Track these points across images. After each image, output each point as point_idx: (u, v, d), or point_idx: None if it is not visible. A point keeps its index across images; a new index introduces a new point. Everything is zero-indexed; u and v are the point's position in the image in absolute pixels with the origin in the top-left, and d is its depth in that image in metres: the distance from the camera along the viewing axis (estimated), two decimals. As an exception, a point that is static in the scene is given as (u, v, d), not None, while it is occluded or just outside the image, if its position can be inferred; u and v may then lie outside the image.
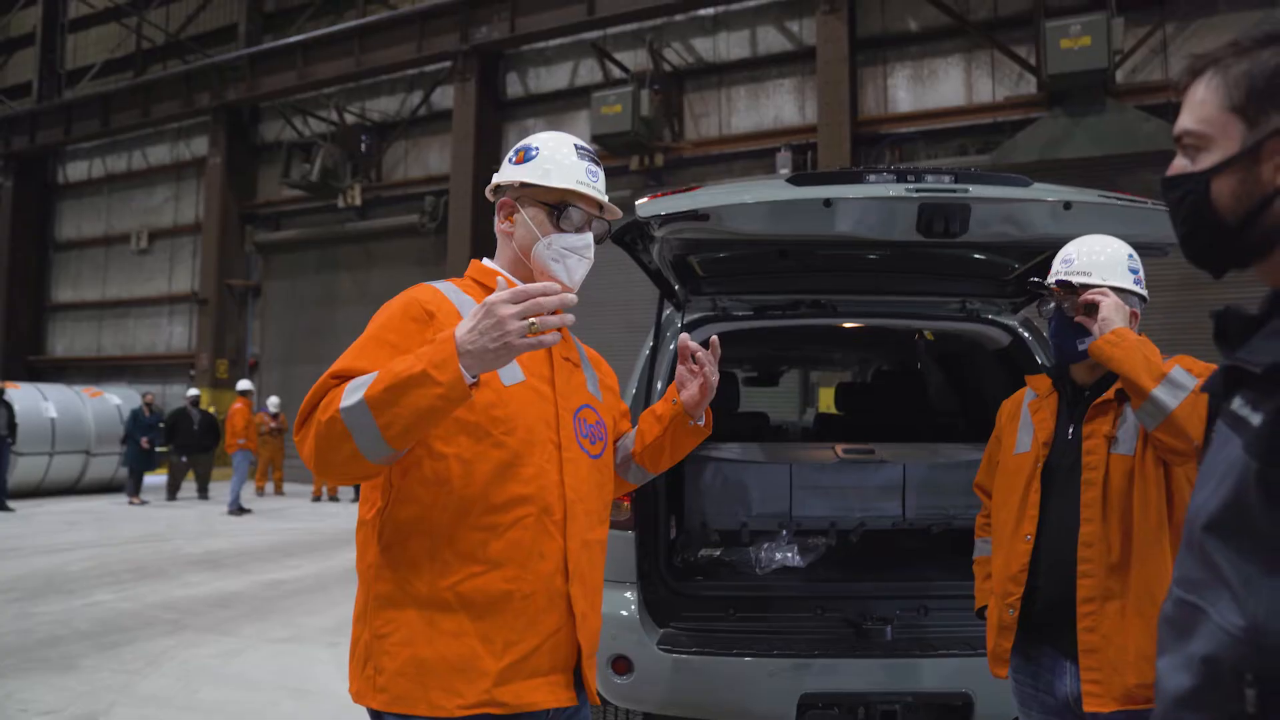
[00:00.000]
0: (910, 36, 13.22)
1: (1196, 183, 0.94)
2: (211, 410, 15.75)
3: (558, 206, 1.72)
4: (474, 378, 1.41)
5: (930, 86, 13.10)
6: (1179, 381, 1.86)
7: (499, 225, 1.78)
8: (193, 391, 14.63)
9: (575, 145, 1.77)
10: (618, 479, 1.99)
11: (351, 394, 1.42)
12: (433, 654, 1.53)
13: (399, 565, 1.57)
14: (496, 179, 1.79)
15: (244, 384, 14.12)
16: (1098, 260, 2.10)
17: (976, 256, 3.35)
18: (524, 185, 1.74)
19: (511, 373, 1.63)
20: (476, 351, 1.38)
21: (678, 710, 3.17)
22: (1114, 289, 2.07)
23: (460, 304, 1.67)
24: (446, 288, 1.71)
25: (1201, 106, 0.94)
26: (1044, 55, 11.16)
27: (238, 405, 13.34)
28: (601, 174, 1.79)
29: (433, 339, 1.46)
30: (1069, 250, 2.16)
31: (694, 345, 1.82)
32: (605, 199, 1.78)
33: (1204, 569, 0.90)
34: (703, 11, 14.44)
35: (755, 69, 14.33)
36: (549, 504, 1.62)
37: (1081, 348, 2.08)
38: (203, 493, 14.48)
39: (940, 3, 12.58)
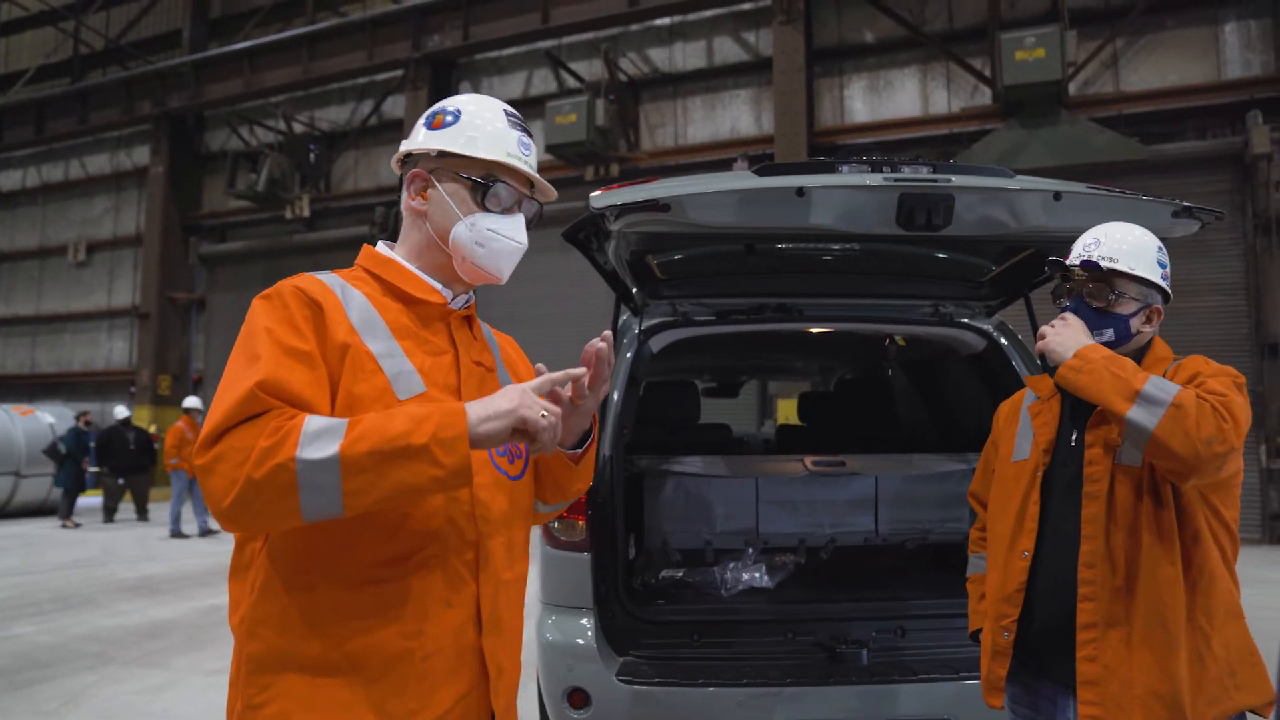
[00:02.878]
0: (866, 48, 13.25)
1: None
2: (152, 429, 15.16)
3: (483, 182, 1.45)
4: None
5: (886, 98, 13.12)
6: (1155, 397, 1.67)
7: (408, 202, 1.49)
8: (121, 410, 13.93)
9: (505, 111, 1.50)
10: None
11: (317, 443, 1.16)
12: None
13: (276, 619, 1.29)
14: (407, 145, 1.50)
15: (191, 401, 13.16)
16: (1124, 247, 1.92)
17: (951, 257, 3.19)
18: (442, 155, 1.46)
19: (409, 383, 1.36)
20: (478, 424, 1.23)
21: (640, 746, 2.93)
22: (1141, 281, 1.90)
23: (348, 299, 1.39)
24: (331, 280, 1.42)
25: None
26: (999, 67, 11.24)
27: (178, 423, 12.75)
28: (535, 147, 1.53)
29: (431, 408, 1.25)
30: (1093, 233, 1.97)
31: (600, 348, 1.45)
32: (538, 176, 1.51)
33: None
34: (659, 21, 14.37)
35: (712, 79, 14.27)
36: (458, 541, 1.35)
37: (1101, 339, 1.88)
38: (141, 514, 13.87)
39: (896, 14, 12.64)
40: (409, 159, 1.51)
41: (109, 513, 13.69)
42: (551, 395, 1.42)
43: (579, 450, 1.57)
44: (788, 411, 10.86)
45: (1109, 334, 1.89)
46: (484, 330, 1.63)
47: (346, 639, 1.28)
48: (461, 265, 1.47)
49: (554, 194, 1.56)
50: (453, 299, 1.50)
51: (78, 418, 14.36)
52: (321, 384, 1.29)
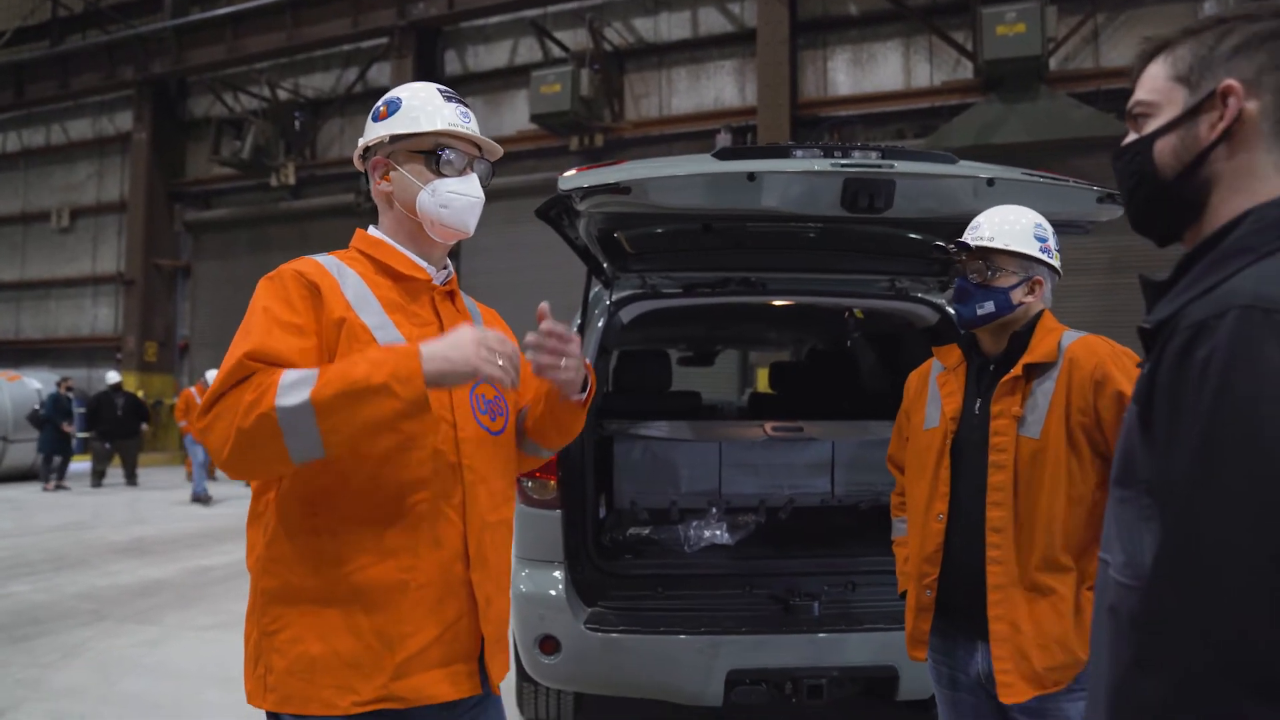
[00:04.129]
0: (850, 20, 13.31)
1: (1143, 145, 1.06)
2: (140, 394, 15.27)
3: (434, 152, 1.62)
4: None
5: (869, 70, 13.21)
6: None
7: (376, 188, 1.67)
8: (113, 376, 14.05)
9: (439, 89, 1.68)
10: (520, 453, 1.89)
11: (291, 392, 1.33)
12: (324, 650, 1.46)
13: (287, 558, 1.49)
14: (363, 140, 1.68)
15: (213, 374, 12.87)
16: (1002, 227, 2.08)
17: (906, 235, 3.37)
18: (394, 139, 1.64)
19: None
20: (436, 358, 1.38)
21: (607, 690, 3.15)
22: (1016, 254, 2.06)
23: (343, 278, 1.57)
24: (328, 261, 1.60)
25: (1152, 80, 1.07)
26: (980, 41, 11.33)
27: (189, 389, 12.79)
28: (473, 115, 1.70)
29: (387, 347, 1.43)
30: (978, 218, 2.15)
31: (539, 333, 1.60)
32: (481, 138, 1.68)
33: (1110, 525, 1.01)
34: (644, -9, 14.35)
35: (696, 50, 14.31)
36: (445, 488, 1.54)
37: (982, 312, 2.05)
38: (130, 479, 14.01)
39: (879, -13, 12.69)
40: (368, 152, 1.69)
41: (98, 477, 13.83)
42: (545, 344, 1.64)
43: (583, 396, 1.78)
44: (765, 379, 11.08)
45: (990, 306, 2.05)
46: (467, 302, 1.81)
47: (349, 574, 1.47)
48: (432, 228, 1.64)
49: (499, 150, 1.73)
50: (435, 274, 1.68)
51: (58, 383, 14.45)
52: (310, 352, 1.46)
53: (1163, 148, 1.04)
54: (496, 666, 1.62)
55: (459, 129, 1.64)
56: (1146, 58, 1.09)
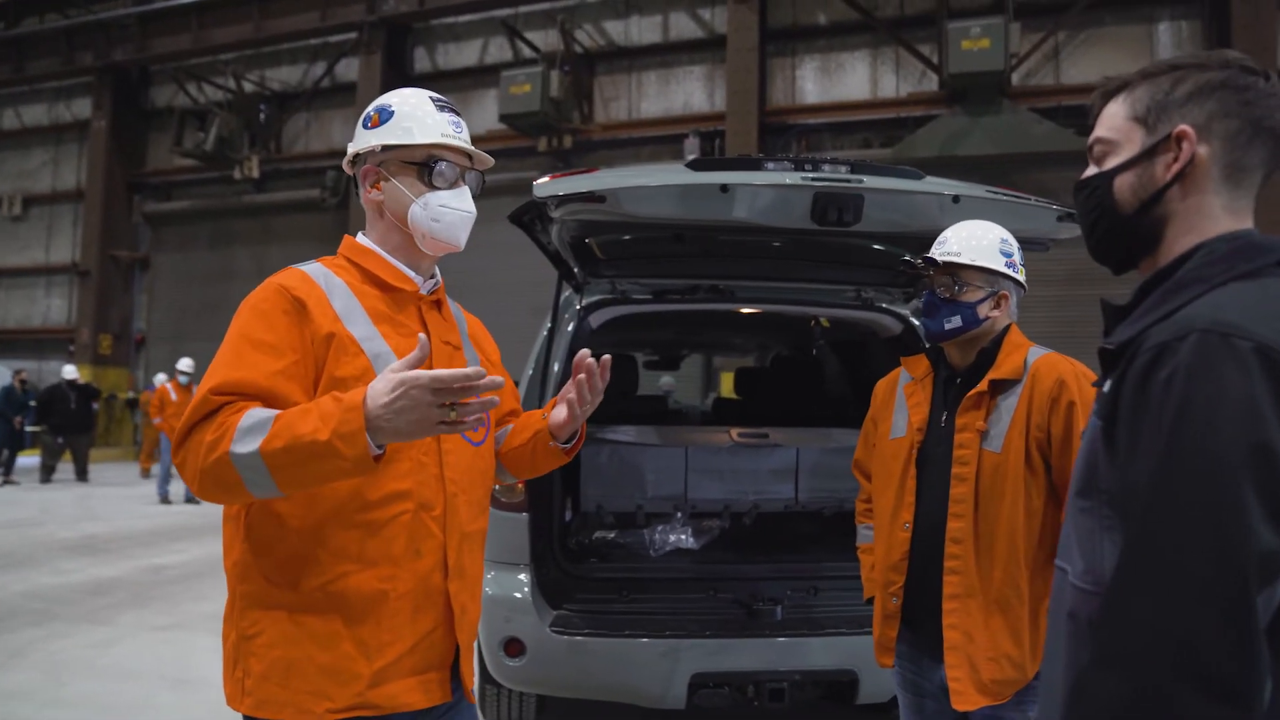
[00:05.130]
0: (819, 30, 13.46)
1: (1103, 180, 1.13)
2: (90, 384, 14.95)
3: (426, 164, 1.62)
4: (381, 450, 1.36)
5: (837, 79, 13.36)
6: None
7: (366, 196, 1.67)
8: (70, 371, 13.76)
9: (432, 98, 1.67)
10: None
11: (246, 439, 1.34)
12: (302, 656, 1.46)
13: (266, 565, 1.50)
14: (354, 148, 1.68)
15: (184, 363, 12.20)
16: (969, 243, 2.13)
17: (871, 247, 3.43)
18: (386, 148, 1.63)
19: (387, 363, 1.52)
20: (389, 430, 1.33)
21: (571, 692, 3.17)
22: (983, 269, 2.10)
23: (331, 289, 1.56)
24: (316, 271, 1.59)
25: (1112, 119, 1.14)
26: (946, 55, 11.52)
27: (163, 385, 12.39)
28: (465, 125, 1.70)
29: (337, 397, 1.37)
30: (945, 233, 2.19)
31: (588, 363, 1.71)
32: (473, 149, 1.68)
33: (1069, 535, 1.08)
34: (616, -6, 14.38)
35: (666, 54, 14.36)
36: (427, 499, 1.55)
37: (949, 326, 2.10)
38: (81, 475, 13.71)
39: (848, -2, 12.84)
40: (358, 159, 1.68)
41: (47, 471, 13.51)
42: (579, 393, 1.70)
43: (567, 445, 1.81)
44: (729, 385, 11.15)
45: (957, 320, 2.09)
46: (453, 309, 1.82)
47: (329, 583, 1.47)
48: (423, 241, 1.63)
49: (490, 161, 1.73)
50: (423, 284, 1.69)
51: (15, 374, 14.11)
52: (288, 371, 1.46)
53: (1121, 184, 1.11)
54: (468, 673, 1.64)
55: (452, 141, 1.63)
56: (1106, 97, 1.16)
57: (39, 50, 18.54)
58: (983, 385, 2.06)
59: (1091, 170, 1.15)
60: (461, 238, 1.66)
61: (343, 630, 1.47)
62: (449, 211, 1.62)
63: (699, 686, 3.02)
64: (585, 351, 1.71)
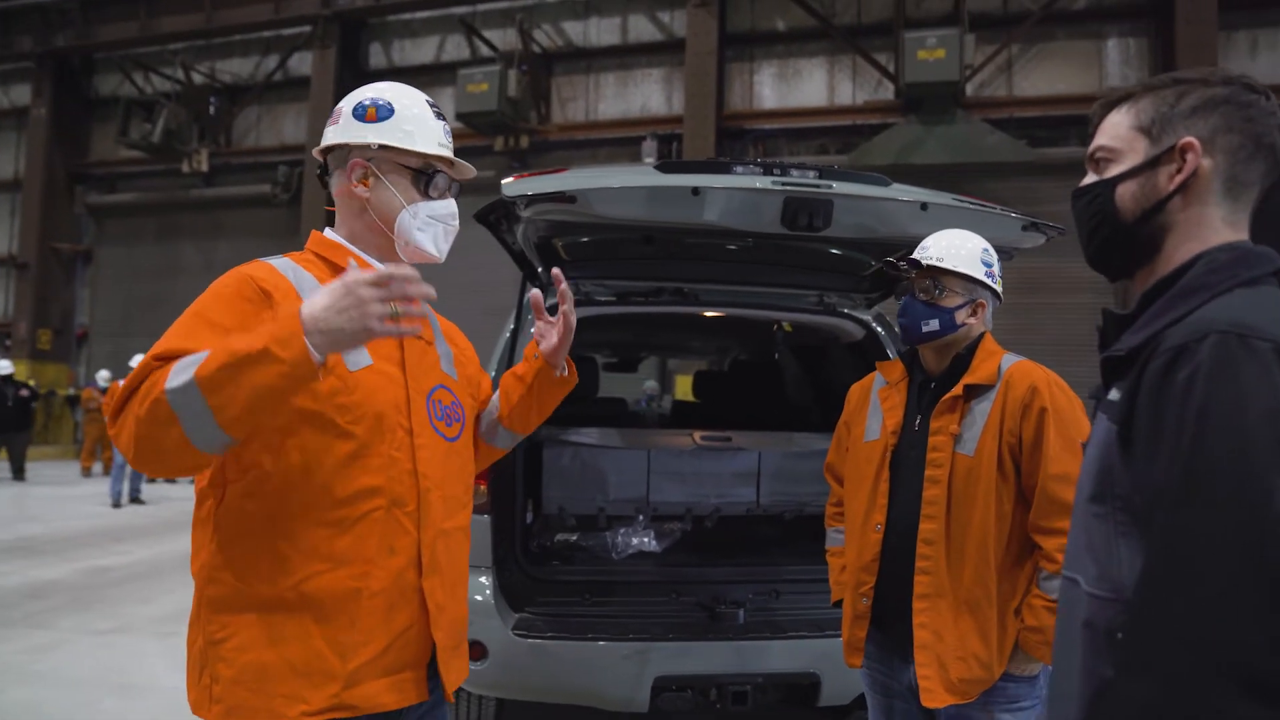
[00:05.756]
0: (778, 36, 13.57)
1: (1105, 187, 1.14)
2: (31, 383, 14.49)
3: (424, 172, 1.60)
4: (321, 358, 1.28)
5: (795, 86, 13.49)
6: None
7: (350, 188, 1.61)
8: (5, 366, 13.32)
9: (427, 103, 1.65)
10: (487, 447, 1.92)
11: (179, 374, 1.27)
12: (275, 658, 1.42)
13: (235, 565, 1.45)
14: (341, 137, 1.61)
15: (138, 360, 12.18)
16: (951, 250, 2.16)
17: (835, 252, 3.45)
18: (382, 147, 1.59)
19: (357, 357, 1.51)
20: (330, 331, 1.26)
21: (533, 695, 3.13)
22: (964, 277, 2.14)
23: (300, 283, 1.52)
24: (284, 264, 1.55)
25: (1114, 128, 1.15)
26: (902, 64, 11.70)
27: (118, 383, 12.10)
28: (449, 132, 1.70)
29: (272, 318, 1.33)
30: (929, 239, 2.22)
31: (563, 288, 1.77)
32: (461, 161, 1.67)
33: (1080, 543, 1.07)
34: (575, -5, 14.35)
35: (625, 56, 14.37)
36: (400, 495, 1.52)
37: (927, 329, 2.13)
38: (18, 474, 13.28)
39: (807, 5, 12.97)
40: (342, 149, 1.62)
41: (-18, 471, 13.10)
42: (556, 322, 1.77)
43: (567, 373, 1.84)
44: (685, 387, 11.19)
45: (934, 324, 2.13)
46: (428, 314, 1.77)
47: (301, 581, 1.43)
48: (404, 249, 1.60)
49: (472, 172, 1.71)
50: None
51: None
52: None
53: (1124, 192, 1.12)
54: (452, 673, 1.60)
55: (447, 153, 1.62)
56: (1108, 107, 1.17)
57: (-25, 34, 17.95)
58: (957, 390, 2.09)
59: (1092, 178, 1.16)
60: (445, 249, 1.65)
61: (315, 630, 1.43)
62: (434, 224, 1.61)
63: (662, 689, 3.01)
64: (536, 293, 1.80)
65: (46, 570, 7.12)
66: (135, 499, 11.20)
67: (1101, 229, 1.14)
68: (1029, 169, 11.76)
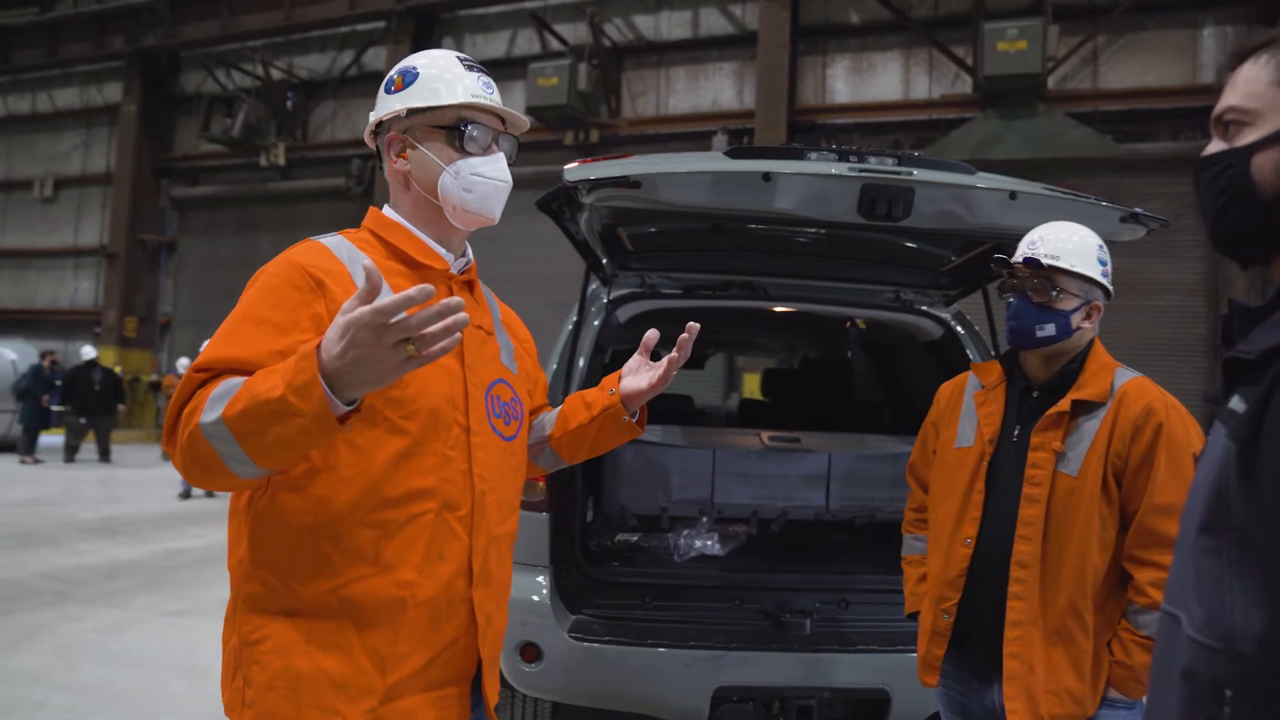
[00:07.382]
0: (851, 29, 13.27)
1: (1237, 157, 0.94)
2: (117, 369, 15.03)
3: (456, 128, 1.47)
4: (350, 403, 1.17)
5: (868, 80, 13.17)
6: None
7: (392, 166, 1.52)
8: (88, 351, 13.84)
9: (459, 58, 1.53)
10: (529, 465, 1.76)
11: (212, 407, 1.20)
12: (310, 666, 1.33)
13: (274, 564, 1.36)
14: (376, 115, 1.53)
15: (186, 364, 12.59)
16: (1066, 246, 1.98)
17: (913, 246, 3.29)
18: (411, 112, 1.49)
19: None
20: (352, 383, 1.14)
21: (588, 701, 3.05)
22: (1080, 276, 1.97)
23: (353, 264, 1.41)
24: (337, 244, 1.45)
25: (1249, 84, 0.95)
26: (980, 56, 11.32)
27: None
28: (495, 87, 1.55)
29: (298, 343, 1.21)
30: (1037, 232, 2.04)
31: (686, 334, 1.69)
32: (507, 110, 1.53)
33: (1185, 576, 0.90)
34: (646, -12, 14.27)
35: (696, 50, 14.23)
36: (453, 498, 1.41)
37: (1041, 334, 1.96)
38: (104, 456, 13.78)
39: (883, -4, 12.65)
40: (380, 127, 1.54)
41: (71, 451, 13.60)
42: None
43: (637, 419, 1.72)
44: (752, 386, 11.01)
45: (1050, 329, 1.95)
46: (485, 292, 1.68)
47: (343, 585, 1.34)
48: (454, 214, 1.49)
49: (527, 123, 1.59)
50: (453, 262, 1.54)
51: (43, 356, 14.23)
52: (289, 352, 1.26)
53: (1262, 162, 0.92)
54: (491, 688, 1.50)
55: (482, 101, 1.49)
56: (1239, 58, 0.97)
57: (71, 34, 18.67)
58: (1064, 404, 1.92)
59: (1219, 145, 0.97)
60: (496, 209, 1.52)
61: (355, 639, 1.35)
62: (482, 181, 1.48)
63: (722, 701, 2.90)
64: (656, 332, 1.71)
65: (125, 550, 7.34)
66: (208, 492, 11.48)
67: (1232, 206, 0.95)
68: (1115, 165, 11.25)
